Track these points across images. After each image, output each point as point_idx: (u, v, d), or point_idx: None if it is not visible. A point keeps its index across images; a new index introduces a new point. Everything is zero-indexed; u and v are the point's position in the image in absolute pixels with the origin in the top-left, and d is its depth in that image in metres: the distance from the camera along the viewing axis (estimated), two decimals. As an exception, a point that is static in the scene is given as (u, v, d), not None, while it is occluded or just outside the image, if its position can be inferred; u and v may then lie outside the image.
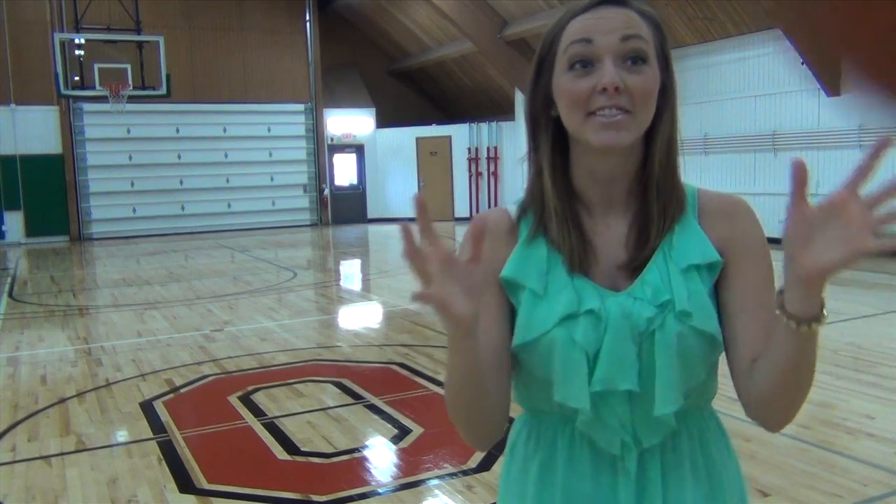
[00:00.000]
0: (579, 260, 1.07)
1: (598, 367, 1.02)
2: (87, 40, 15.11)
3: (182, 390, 5.25)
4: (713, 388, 1.12)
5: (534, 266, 1.09)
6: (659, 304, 1.03)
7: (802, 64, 11.27)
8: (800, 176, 0.85)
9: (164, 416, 4.66)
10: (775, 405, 1.02)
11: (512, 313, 1.10)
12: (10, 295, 9.99)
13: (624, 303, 1.04)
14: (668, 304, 1.02)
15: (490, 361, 1.06)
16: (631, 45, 1.02)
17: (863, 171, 0.82)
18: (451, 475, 3.60)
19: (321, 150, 20.03)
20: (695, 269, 1.05)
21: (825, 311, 0.93)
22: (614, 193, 1.10)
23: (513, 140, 18.72)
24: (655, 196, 1.08)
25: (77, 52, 15.14)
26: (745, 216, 1.10)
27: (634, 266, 1.07)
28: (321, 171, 20.08)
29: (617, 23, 1.03)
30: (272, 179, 19.43)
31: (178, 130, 18.25)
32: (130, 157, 17.96)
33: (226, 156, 18.81)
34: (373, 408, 4.68)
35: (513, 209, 1.15)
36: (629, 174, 1.09)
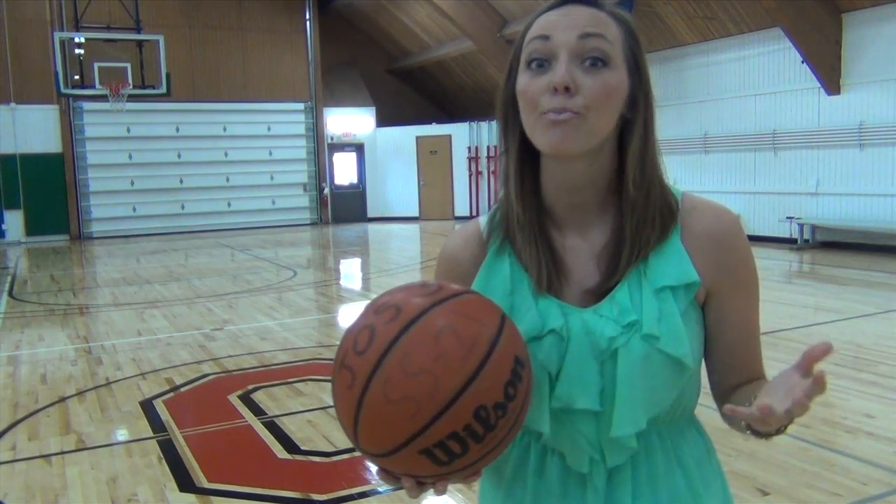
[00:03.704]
0: (546, 281, 1.03)
1: (557, 384, 1.00)
2: (87, 39, 15.08)
3: (182, 389, 5.25)
4: (690, 403, 1.09)
5: (498, 286, 1.06)
6: (625, 323, 0.99)
7: (802, 63, 11.27)
8: (817, 357, 0.90)
9: (165, 414, 4.67)
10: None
11: None
12: (10, 294, 9.99)
13: (588, 320, 1.01)
14: (635, 324, 0.99)
15: None
16: (590, 43, 0.95)
17: (805, 365, 0.90)
18: (451, 474, 3.60)
19: (321, 149, 20.03)
20: (670, 290, 1.01)
21: (783, 430, 0.98)
22: (584, 204, 1.05)
23: (513, 139, 18.65)
24: (630, 216, 1.02)
25: (77, 51, 15.13)
26: (736, 243, 1.05)
27: (607, 284, 1.03)
28: (321, 170, 20.08)
29: (579, 20, 0.97)
30: (272, 178, 19.43)
31: (178, 129, 18.25)
32: (130, 156, 17.95)
33: (226, 155, 18.81)
34: (373, 407, 4.67)
35: (483, 221, 1.13)
36: (596, 183, 1.03)
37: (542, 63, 0.97)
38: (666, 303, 1.00)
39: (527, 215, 1.05)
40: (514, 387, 0.88)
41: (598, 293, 1.03)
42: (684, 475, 1.07)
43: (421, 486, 0.92)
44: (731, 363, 1.08)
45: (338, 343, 0.95)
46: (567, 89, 0.94)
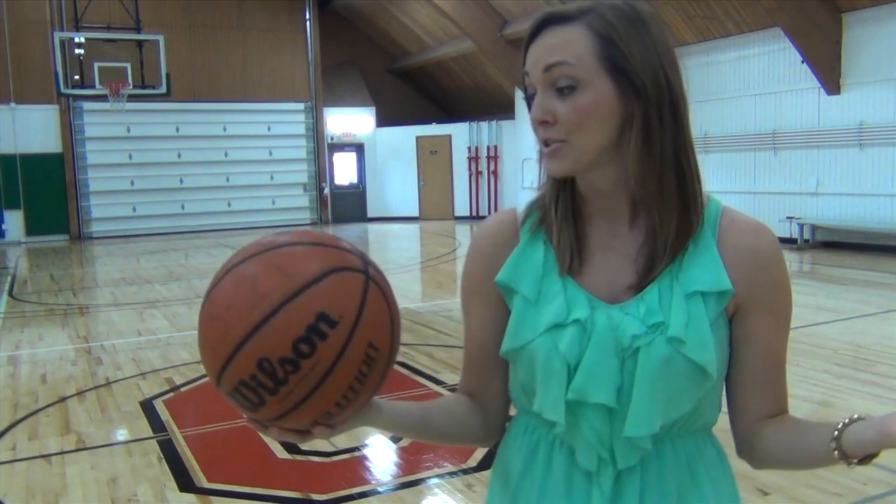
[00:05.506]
0: (571, 262, 1.04)
1: (575, 376, 1.00)
2: (86, 39, 15.08)
3: (182, 389, 5.25)
4: (710, 415, 1.07)
5: (529, 270, 1.07)
6: (650, 324, 0.99)
7: (802, 62, 11.27)
8: None
9: (165, 414, 4.67)
10: (777, 468, 1.10)
11: (508, 315, 1.08)
12: (10, 294, 9.99)
13: (613, 315, 1.01)
14: (661, 325, 0.99)
15: (481, 366, 1.14)
16: (554, 73, 0.98)
17: None
18: (451, 474, 3.61)
19: (321, 148, 20.03)
20: (701, 296, 1.00)
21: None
22: (614, 205, 1.05)
23: (513, 139, 18.70)
24: (646, 216, 1.03)
25: (77, 50, 15.13)
26: (774, 263, 1.03)
27: (639, 283, 1.03)
28: (321, 170, 20.08)
29: (543, 51, 0.99)
30: (272, 178, 19.44)
31: (177, 129, 18.25)
32: (130, 156, 17.96)
33: (226, 154, 18.81)
34: (373, 407, 4.67)
35: (520, 209, 1.14)
36: (622, 188, 1.04)
37: (531, 96, 1.02)
38: (696, 308, 1.00)
39: (564, 208, 1.08)
40: (310, 344, 0.87)
41: (632, 289, 1.03)
42: (697, 493, 1.05)
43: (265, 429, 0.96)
44: (752, 390, 1.06)
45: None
46: (546, 122, 0.99)
